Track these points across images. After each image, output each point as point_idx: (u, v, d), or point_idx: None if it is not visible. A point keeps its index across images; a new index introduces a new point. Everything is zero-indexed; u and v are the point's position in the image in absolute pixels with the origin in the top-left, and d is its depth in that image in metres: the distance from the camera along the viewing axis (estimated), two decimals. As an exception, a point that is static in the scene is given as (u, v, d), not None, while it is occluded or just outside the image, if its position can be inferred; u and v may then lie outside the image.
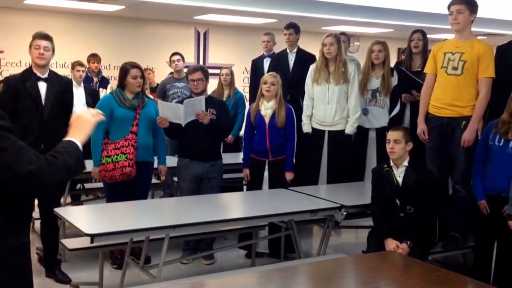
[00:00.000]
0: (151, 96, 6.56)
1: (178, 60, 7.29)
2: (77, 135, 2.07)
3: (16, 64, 7.95)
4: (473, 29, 4.57)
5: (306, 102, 5.57)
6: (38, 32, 4.36)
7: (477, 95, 4.42)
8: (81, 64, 6.95)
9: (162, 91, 7.16)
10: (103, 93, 7.63)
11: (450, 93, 4.47)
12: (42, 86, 4.37)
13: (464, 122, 4.43)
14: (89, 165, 4.77)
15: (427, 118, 4.65)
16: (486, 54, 4.37)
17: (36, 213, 4.72)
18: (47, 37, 4.34)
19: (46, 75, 4.40)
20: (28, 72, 4.39)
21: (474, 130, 4.40)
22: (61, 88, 4.46)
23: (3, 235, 1.90)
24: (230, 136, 6.41)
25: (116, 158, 4.52)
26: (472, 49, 4.39)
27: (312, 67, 5.54)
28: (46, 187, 1.89)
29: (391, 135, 4.14)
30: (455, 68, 4.44)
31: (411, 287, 2.73)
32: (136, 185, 4.68)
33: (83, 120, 2.13)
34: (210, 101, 4.98)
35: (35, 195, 1.91)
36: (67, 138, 2.05)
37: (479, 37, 4.75)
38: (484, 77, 4.39)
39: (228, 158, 5.76)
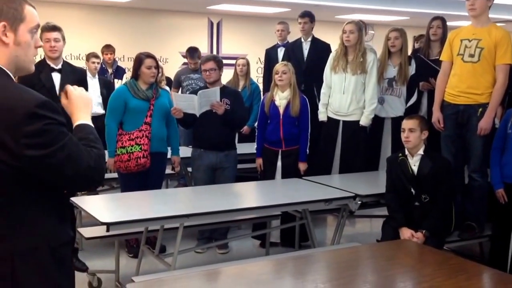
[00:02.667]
0: (167, 88, 6.57)
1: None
2: (86, 117, 2.01)
3: (32, 55, 7.98)
4: (491, 15, 4.51)
5: (323, 91, 5.53)
6: (45, 25, 4.34)
7: (494, 82, 4.35)
8: (96, 56, 6.98)
9: (177, 82, 7.16)
10: (118, 83, 7.65)
11: (467, 81, 4.41)
12: (56, 77, 4.38)
13: (480, 109, 4.37)
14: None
15: (443, 106, 4.60)
16: (503, 41, 4.30)
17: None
18: (55, 28, 4.33)
19: (59, 66, 4.41)
20: (42, 63, 4.40)
21: (491, 118, 4.34)
22: (75, 78, 4.46)
23: (58, 231, 1.90)
24: (246, 127, 6.38)
25: (131, 149, 4.54)
26: (490, 36, 4.32)
27: (332, 55, 5.49)
28: (101, 178, 1.92)
29: (406, 123, 4.10)
30: (471, 55, 4.37)
31: (427, 275, 2.71)
32: (151, 176, 4.70)
33: (85, 100, 2.04)
34: (225, 92, 4.96)
35: (91, 186, 1.98)
36: (82, 122, 1.99)
37: (497, 24, 4.68)
38: (502, 64, 4.32)
39: (243, 148, 5.76)
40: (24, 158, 1.72)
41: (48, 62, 4.37)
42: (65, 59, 4.60)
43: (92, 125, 2.00)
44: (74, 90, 2.03)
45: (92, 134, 1.96)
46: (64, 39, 4.39)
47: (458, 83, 4.47)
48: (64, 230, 1.93)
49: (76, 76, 4.49)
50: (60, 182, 1.84)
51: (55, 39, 4.31)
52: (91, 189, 4.59)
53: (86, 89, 4.63)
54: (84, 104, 2.03)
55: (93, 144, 1.91)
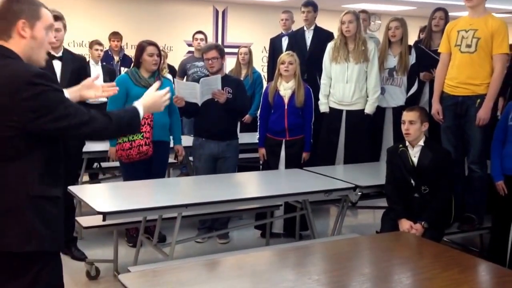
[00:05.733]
0: (169, 76, 6.54)
1: (201, 39, 7.19)
2: (143, 106, 2.48)
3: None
4: (496, 6, 4.46)
5: (323, 81, 5.51)
6: None
7: (492, 72, 4.33)
8: (99, 43, 6.96)
9: (182, 71, 7.12)
10: (124, 72, 7.63)
11: (465, 71, 4.39)
12: (57, 65, 4.35)
13: (478, 100, 4.35)
14: (105, 144, 4.80)
15: (442, 97, 4.59)
16: (500, 30, 4.28)
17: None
18: (56, 18, 4.18)
19: (60, 54, 4.38)
20: None
21: (489, 108, 4.32)
22: (75, 66, 4.44)
23: (44, 185, 2.20)
24: (247, 116, 6.39)
25: (133, 137, 4.49)
26: (486, 25, 4.30)
27: (330, 46, 5.47)
28: (89, 131, 2.24)
29: (406, 115, 4.08)
30: (468, 46, 4.36)
31: (423, 267, 2.72)
32: (153, 165, 4.68)
33: (157, 102, 2.56)
34: (227, 80, 4.94)
35: (84, 139, 2.43)
36: (135, 105, 2.47)
37: (502, 15, 4.65)
38: (499, 54, 4.30)
39: (245, 137, 5.76)
40: (24, 119, 2.08)
41: (49, 50, 4.32)
42: (65, 47, 4.57)
43: (140, 110, 2.47)
44: (154, 90, 2.59)
45: (123, 111, 2.45)
46: (65, 27, 4.34)
47: (457, 74, 4.45)
48: (51, 187, 2.23)
49: (76, 64, 4.46)
50: (57, 134, 2.22)
51: (57, 29, 4.24)
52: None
53: (87, 75, 4.64)
54: (153, 103, 2.56)
55: (109, 114, 2.32)
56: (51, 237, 2.23)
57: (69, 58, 4.43)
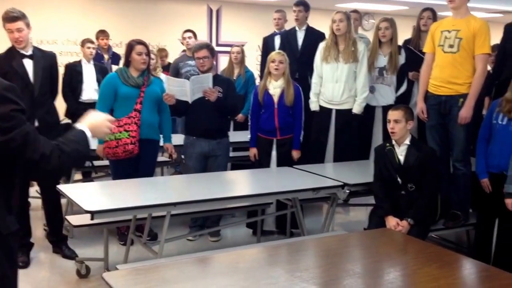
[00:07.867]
0: (163, 75, 6.56)
1: (189, 37, 7.23)
2: (86, 123, 2.10)
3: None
4: (489, 6, 4.52)
5: (314, 80, 5.55)
6: (5, 15, 4.24)
7: (474, 72, 4.38)
8: (91, 41, 6.94)
9: (175, 70, 7.14)
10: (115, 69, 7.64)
11: (448, 71, 4.44)
12: (28, 63, 4.35)
13: (461, 99, 4.39)
14: (94, 142, 4.82)
15: (426, 96, 4.63)
16: (481, 31, 4.33)
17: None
18: (16, 18, 4.22)
19: (30, 52, 4.37)
20: (12, 50, 4.35)
21: (471, 107, 4.37)
22: (46, 63, 4.44)
23: (8, 222, 1.94)
24: (240, 115, 6.40)
25: (119, 136, 4.52)
26: (468, 26, 4.35)
27: (321, 45, 5.50)
28: (55, 172, 1.91)
29: (391, 114, 4.14)
30: (451, 46, 4.41)
31: (405, 262, 2.78)
32: (141, 163, 4.71)
33: (100, 126, 2.16)
34: (217, 79, 4.97)
35: (43, 178, 1.94)
36: (80, 127, 2.07)
37: (494, 15, 4.69)
38: (480, 54, 4.35)
39: (238, 136, 5.78)
40: None
41: (18, 49, 4.32)
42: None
43: (85, 131, 2.06)
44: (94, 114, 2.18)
45: (75, 136, 2.02)
46: (28, 25, 4.29)
47: (440, 74, 4.50)
48: (12, 220, 1.96)
49: (47, 62, 4.48)
50: (18, 165, 1.87)
51: (18, 29, 4.23)
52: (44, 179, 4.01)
53: (57, 72, 4.64)
54: (97, 127, 2.13)
55: (66, 143, 1.95)
56: (15, 279, 2.03)
57: (39, 55, 4.44)
